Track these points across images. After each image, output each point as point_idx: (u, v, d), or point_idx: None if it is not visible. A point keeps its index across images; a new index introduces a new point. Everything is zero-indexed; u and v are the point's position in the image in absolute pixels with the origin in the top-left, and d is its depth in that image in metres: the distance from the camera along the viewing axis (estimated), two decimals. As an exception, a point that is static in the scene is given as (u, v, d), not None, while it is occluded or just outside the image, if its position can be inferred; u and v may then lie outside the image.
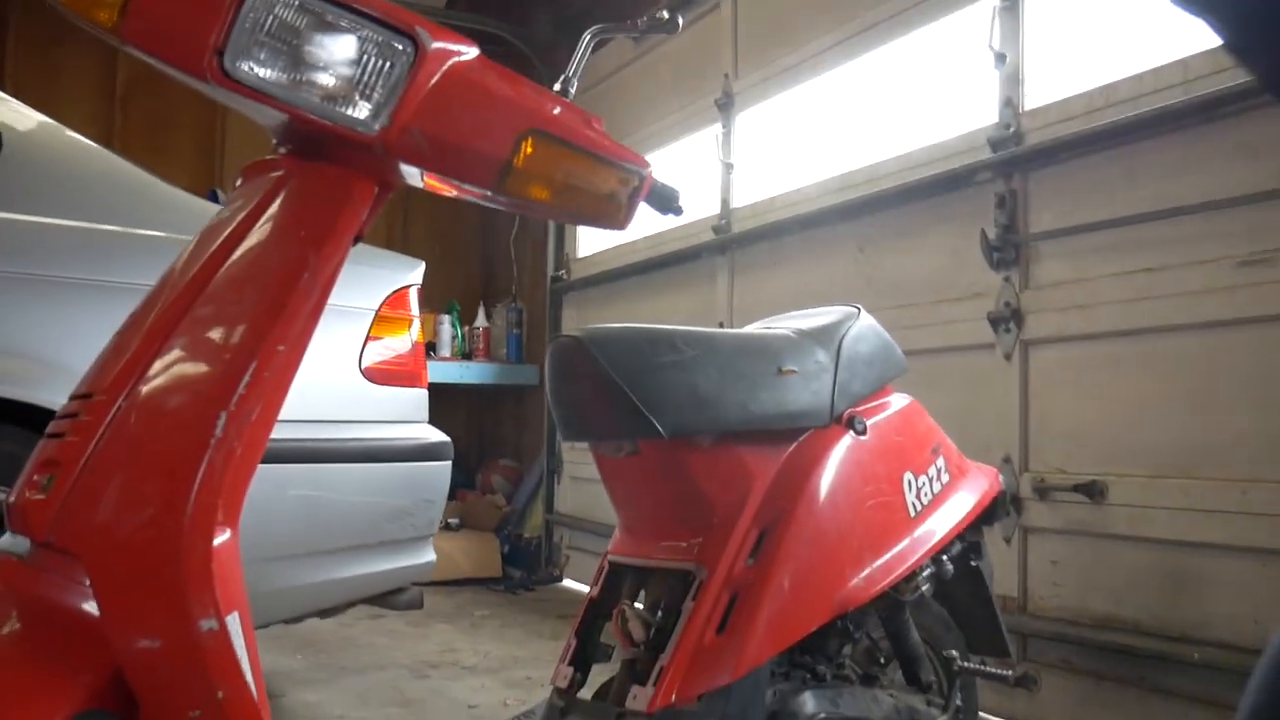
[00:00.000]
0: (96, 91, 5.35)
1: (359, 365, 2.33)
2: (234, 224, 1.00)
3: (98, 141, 2.39)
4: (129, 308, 1.77)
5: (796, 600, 1.37)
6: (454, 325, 5.48)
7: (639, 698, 1.30)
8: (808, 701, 1.39)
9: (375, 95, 0.97)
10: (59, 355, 1.96)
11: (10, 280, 1.96)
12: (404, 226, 5.87)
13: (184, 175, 2.42)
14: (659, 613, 1.38)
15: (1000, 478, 1.80)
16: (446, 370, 5.16)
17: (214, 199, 2.77)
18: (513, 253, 5.81)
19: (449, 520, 4.91)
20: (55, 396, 1.89)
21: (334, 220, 0.96)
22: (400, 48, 0.97)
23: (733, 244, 3.89)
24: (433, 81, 0.98)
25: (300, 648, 3.25)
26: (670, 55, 4.39)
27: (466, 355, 5.53)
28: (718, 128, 4.07)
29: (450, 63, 1.00)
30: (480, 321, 5.59)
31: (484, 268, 6.27)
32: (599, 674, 1.50)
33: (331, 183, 0.98)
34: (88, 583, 0.90)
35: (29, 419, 1.89)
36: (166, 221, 2.18)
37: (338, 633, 3.56)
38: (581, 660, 1.46)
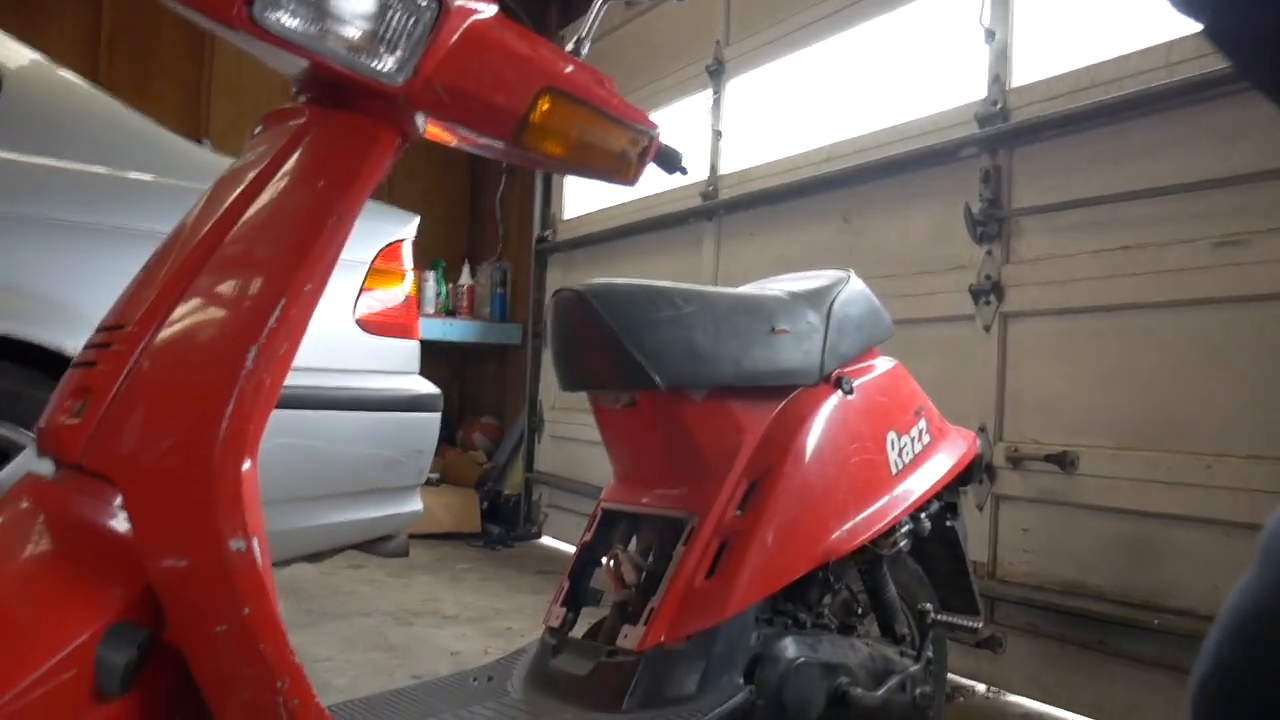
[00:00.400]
0: (82, 35, 5.31)
1: (353, 315, 2.37)
2: (259, 168, 1.04)
3: (82, 85, 2.40)
4: (128, 249, 1.79)
5: (782, 549, 1.43)
6: (438, 282, 5.50)
7: (629, 636, 1.36)
8: (789, 646, 1.46)
9: (399, 49, 1.00)
10: (56, 293, 1.99)
11: (10, 219, 1.98)
12: (390, 182, 5.85)
13: (168, 121, 2.43)
14: (650, 557, 1.44)
15: (978, 442, 1.87)
16: (430, 327, 5.18)
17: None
18: (499, 212, 5.83)
19: (430, 475, 4.95)
20: (52, 334, 1.92)
21: (359, 168, 1.00)
22: (424, 4, 1.00)
23: (720, 210, 3.93)
24: (455, 38, 1.02)
25: (284, 594, 3.29)
26: (663, 20, 4.40)
27: (450, 312, 5.56)
28: (708, 94, 4.10)
29: (471, 20, 1.04)
30: (465, 279, 5.61)
31: (470, 226, 6.29)
32: (589, 618, 1.56)
33: (357, 132, 1.02)
34: (118, 503, 0.94)
35: (25, 356, 1.92)
36: (165, 166, 2.20)
37: (320, 581, 3.62)
38: (574, 601, 1.52)
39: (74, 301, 1.97)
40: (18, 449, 1.90)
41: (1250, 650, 0.74)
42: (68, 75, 2.33)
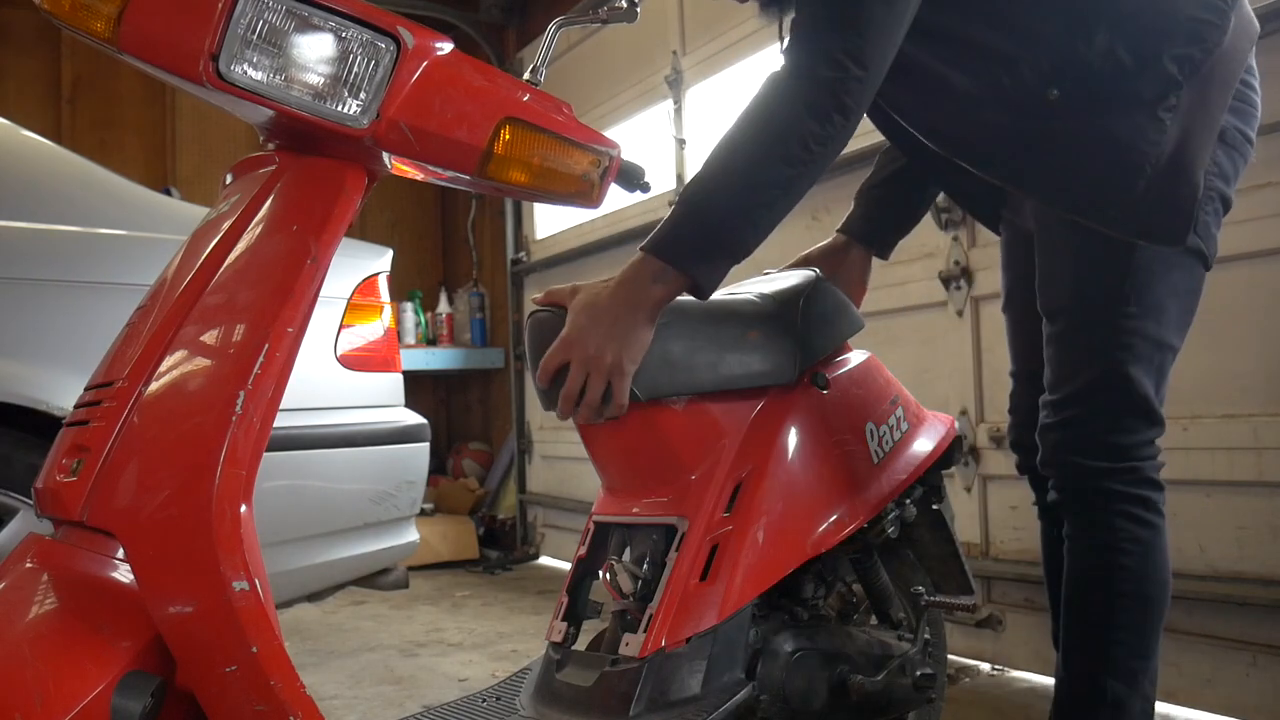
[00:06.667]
0: (43, 92, 5.32)
1: (334, 353, 2.39)
2: (234, 217, 1.07)
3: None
4: (107, 306, 1.81)
5: (772, 546, 1.46)
6: (417, 312, 5.53)
7: (631, 644, 1.39)
8: (788, 639, 1.48)
9: (363, 92, 1.04)
10: (39, 354, 2.01)
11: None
12: (360, 216, 5.85)
13: (134, 174, 2.46)
14: (645, 565, 1.46)
15: (955, 424, 1.91)
16: (412, 357, 5.21)
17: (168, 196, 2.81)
18: (471, 238, 5.86)
19: (424, 505, 4.97)
20: (38, 394, 1.94)
21: (331, 210, 1.04)
22: (384, 46, 1.04)
23: (690, 218, 3.95)
24: (415, 77, 1.06)
25: (288, 635, 3.28)
26: (619, 34, 4.44)
27: (431, 341, 5.58)
28: (669, 104, 4.15)
29: (430, 58, 1.07)
30: (443, 308, 5.64)
31: (444, 254, 6.32)
32: (590, 631, 1.58)
33: (326, 175, 1.06)
34: (121, 555, 0.97)
35: (12, 419, 1.94)
36: (137, 220, 2.23)
37: (323, 619, 3.62)
38: (574, 615, 1.54)
39: (58, 361, 2.00)
40: (10, 512, 1.91)
41: None
42: (32, 137, 2.36)
